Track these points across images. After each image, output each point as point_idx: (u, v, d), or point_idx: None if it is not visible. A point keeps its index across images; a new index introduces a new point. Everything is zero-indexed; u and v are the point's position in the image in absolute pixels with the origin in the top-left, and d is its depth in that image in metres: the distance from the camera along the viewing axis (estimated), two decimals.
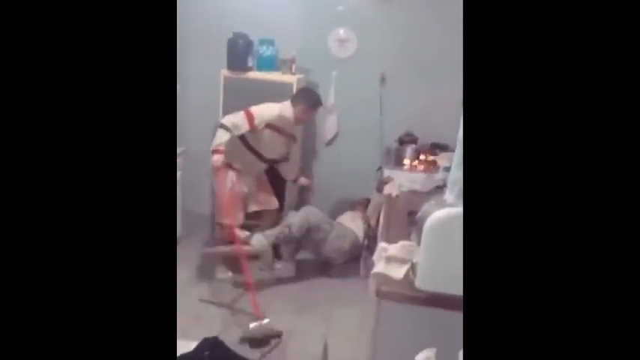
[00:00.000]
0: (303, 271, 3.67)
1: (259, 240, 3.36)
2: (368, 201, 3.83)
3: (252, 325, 2.86)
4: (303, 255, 3.70)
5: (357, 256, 3.67)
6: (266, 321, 2.89)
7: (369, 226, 3.66)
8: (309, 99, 3.44)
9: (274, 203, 3.73)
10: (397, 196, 3.02)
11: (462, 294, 1.00)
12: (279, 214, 3.80)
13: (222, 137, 3.24)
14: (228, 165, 3.37)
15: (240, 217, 3.48)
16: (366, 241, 3.62)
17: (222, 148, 3.24)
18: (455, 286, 1.39)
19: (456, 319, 1.13)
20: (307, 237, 3.48)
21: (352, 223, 3.74)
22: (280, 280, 3.57)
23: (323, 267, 3.70)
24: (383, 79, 4.03)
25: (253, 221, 3.65)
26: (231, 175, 3.41)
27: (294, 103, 3.40)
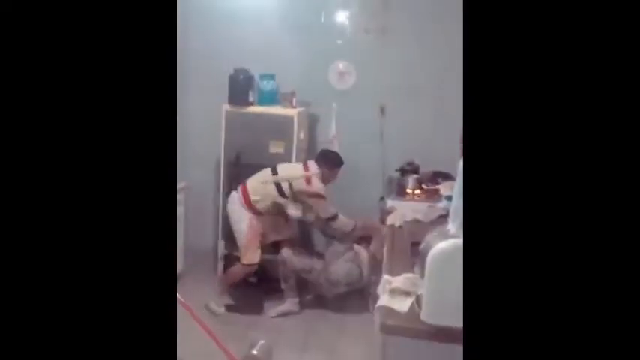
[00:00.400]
0: (307, 305, 3.63)
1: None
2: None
3: (254, 351, 2.81)
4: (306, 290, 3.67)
5: (362, 290, 3.62)
6: (262, 342, 2.86)
7: (375, 259, 3.62)
8: (330, 160, 3.62)
9: (293, 232, 3.76)
10: (400, 226, 3.00)
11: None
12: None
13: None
14: (253, 209, 3.45)
15: (258, 256, 3.51)
16: (373, 276, 3.57)
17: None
18: (461, 319, 1.35)
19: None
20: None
21: (358, 257, 3.69)
22: (284, 315, 3.53)
23: (321, 298, 3.64)
24: (383, 110, 4.05)
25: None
26: (252, 217, 3.46)
27: (318, 164, 3.55)
